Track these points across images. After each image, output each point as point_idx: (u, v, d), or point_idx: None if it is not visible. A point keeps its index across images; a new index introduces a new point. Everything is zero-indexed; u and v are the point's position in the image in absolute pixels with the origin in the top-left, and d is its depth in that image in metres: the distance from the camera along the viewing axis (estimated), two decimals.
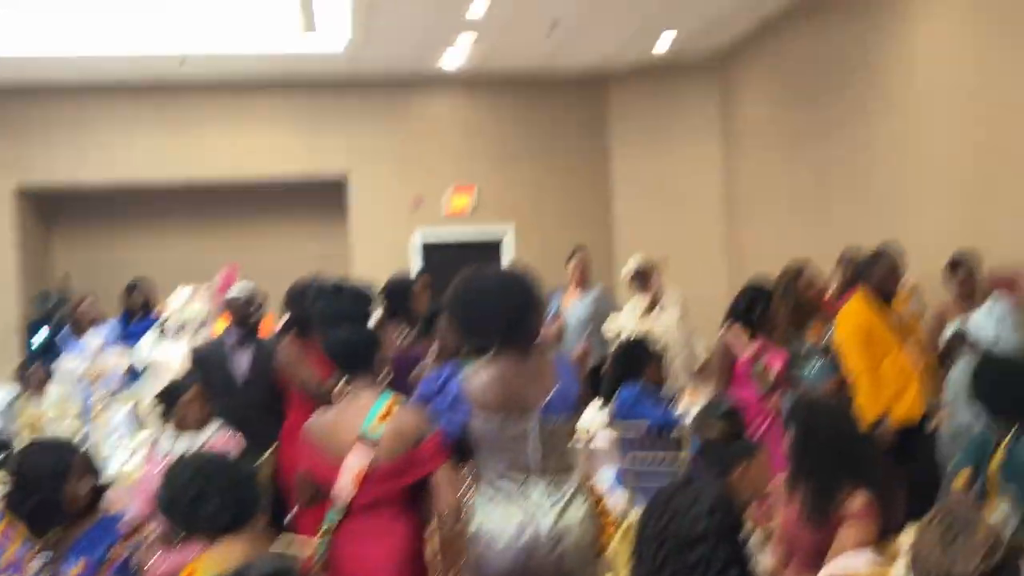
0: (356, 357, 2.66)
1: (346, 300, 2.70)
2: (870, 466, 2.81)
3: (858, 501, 2.72)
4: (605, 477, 4.54)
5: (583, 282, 7.02)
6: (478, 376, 2.74)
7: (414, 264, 9.57)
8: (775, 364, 4.65)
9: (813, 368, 5.03)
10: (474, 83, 9.72)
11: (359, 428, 2.56)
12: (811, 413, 2.86)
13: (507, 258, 9.77)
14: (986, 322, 5.01)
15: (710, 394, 4.77)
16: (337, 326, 2.67)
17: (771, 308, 4.70)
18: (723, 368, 4.69)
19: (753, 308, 4.67)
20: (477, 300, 2.69)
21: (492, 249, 9.79)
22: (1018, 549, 1.49)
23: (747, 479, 2.71)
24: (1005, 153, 5.26)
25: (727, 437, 2.76)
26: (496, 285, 2.69)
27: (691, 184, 9.70)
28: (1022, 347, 3.67)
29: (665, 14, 7.73)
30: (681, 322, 6.01)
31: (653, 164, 9.81)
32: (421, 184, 9.69)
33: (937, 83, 5.79)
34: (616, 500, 4.10)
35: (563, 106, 9.88)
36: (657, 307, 5.81)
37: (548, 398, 2.70)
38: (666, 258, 6.48)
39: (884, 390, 4.73)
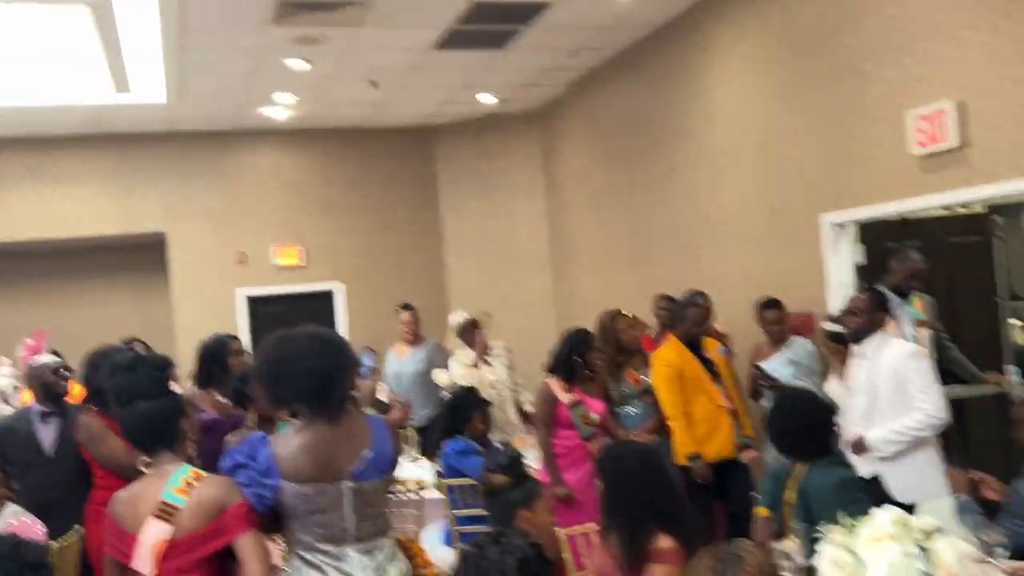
0: (154, 433, 2.54)
1: (141, 376, 2.56)
2: (676, 510, 2.97)
3: (664, 544, 2.86)
4: (432, 533, 4.53)
5: (414, 337, 7.03)
6: (287, 444, 2.67)
7: (240, 321, 9.29)
8: (595, 408, 4.82)
9: (632, 410, 5.28)
10: (298, 135, 9.63)
11: (158, 501, 2.45)
12: (619, 461, 2.99)
13: (339, 312, 9.66)
14: (781, 363, 5.41)
15: (537, 442, 4.89)
16: (132, 403, 2.54)
17: (590, 353, 4.89)
18: (546, 415, 4.81)
19: (572, 355, 4.84)
20: (284, 365, 2.61)
21: (323, 302, 9.65)
22: None
23: (531, 524, 2.78)
24: (790, 204, 5.76)
25: (509, 485, 2.83)
26: (303, 348, 2.62)
27: (519, 236, 9.98)
28: (811, 387, 3.99)
29: (482, 76, 7.98)
30: (508, 373, 6.14)
31: (482, 217, 10.02)
32: (245, 240, 9.45)
33: (733, 141, 6.27)
34: (443, 555, 4.10)
35: (391, 158, 9.95)
36: (482, 360, 5.91)
37: (362, 463, 2.65)
38: (489, 314, 6.60)
39: (696, 429, 5.03)
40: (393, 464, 2.73)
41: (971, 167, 4.44)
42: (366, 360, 3.17)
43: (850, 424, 4.17)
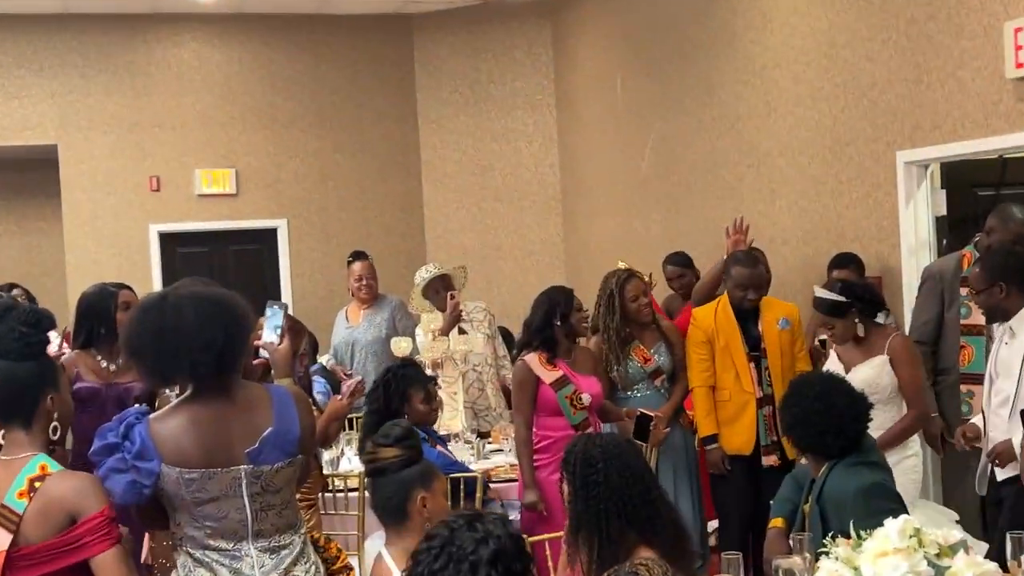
0: (9, 404, 2.75)
1: (2, 329, 2.80)
2: (657, 517, 3.24)
3: (643, 557, 3.14)
4: (378, 541, 4.83)
5: (370, 295, 7.24)
6: (169, 421, 2.86)
7: (152, 265, 9.59)
8: (586, 387, 5.10)
9: (638, 394, 5.57)
10: (231, 22, 9.84)
11: (2, 500, 2.67)
12: (589, 457, 3.24)
13: (281, 257, 9.95)
14: None
15: (517, 428, 5.19)
16: None
17: (574, 315, 5.16)
18: (523, 399, 5.10)
19: (551, 320, 5.11)
20: (166, 336, 2.80)
21: (259, 244, 9.93)
22: None
23: (428, 508, 3.06)
24: (859, 137, 5.97)
25: (402, 463, 3.10)
26: (188, 315, 2.82)
27: (520, 164, 10.23)
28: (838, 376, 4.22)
29: None
30: (489, 344, 6.36)
31: (472, 138, 10.26)
32: (159, 160, 9.72)
33: (790, 52, 6.45)
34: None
35: (353, 57, 10.16)
36: (453, 327, 6.13)
37: (260, 442, 2.87)
38: (464, 268, 6.82)
39: (720, 410, 5.44)
40: (302, 444, 2.99)
41: None
42: (273, 317, 3.31)
43: (990, 415, 4.46)
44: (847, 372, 4.83)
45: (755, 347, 5.50)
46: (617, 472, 3.19)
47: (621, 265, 5.85)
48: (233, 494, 2.91)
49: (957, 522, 4.60)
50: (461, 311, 6.28)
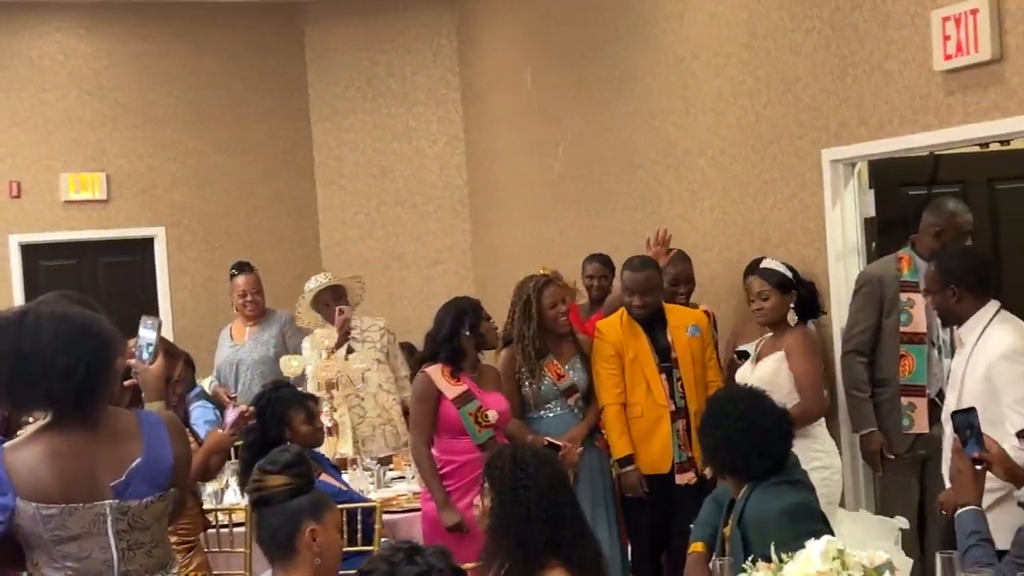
0: None
1: None
2: (577, 538, 3.30)
3: None
4: None
5: (256, 311, 7.21)
6: (24, 451, 2.86)
7: (13, 280, 9.42)
8: (492, 403, 5.15)
9: (550, 414, 5.63)
10: (100, 9, 9.71)
11: None
12: (522, 466, 3.31)
13: (158, 270, 9.83)
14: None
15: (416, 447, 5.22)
16: None
17: (482, 325, 5.21)
18: (423, 416, 5.14)
19: (457, 331, 5.16)
20: (25, 361, 2.80)
21: (134, 255, 9.80)
22: None
23: (318, 542, 3.08)
24: (783, 134, 6.11)
25: (291, 492, 3.12)
26: (49, 337, 2.81)
27: (423, 164, 10.25)
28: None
29: None
30: (388, 361, 6.34)
31: (371, 137, 10.27)
32: (19, 164, 9.54)
33: (711, 43, 6.57)
34: None
35: (238, 47, 10.09)
36: (343, 345, 6.13)
37: (128, 474, 2.88)
38: (360, 279, 6.83)
39: (632, 428, 5.57)
40: (175, 476, 2.98)
41: (1006, 89, 4.82)
42: (146, 334, 3.28)
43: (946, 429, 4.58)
44: (753, 370, 5.00)
45: (665, 357, 5.63)
46: (548, 478, 3.29)
47: (541, 271, 5.90)
48: (97, 532, 2.89)
49: (902, 530, 4.74)
50: (351, 328, 6.25)
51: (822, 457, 5.03)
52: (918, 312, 5.34)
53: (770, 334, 5.39)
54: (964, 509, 3.50)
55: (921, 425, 5.35)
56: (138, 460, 2.92)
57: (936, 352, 5.40)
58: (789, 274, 5.07)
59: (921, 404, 5.34)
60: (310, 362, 6.24)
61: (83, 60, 9.72)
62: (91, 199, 9.65)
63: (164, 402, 3.35)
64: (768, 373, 4.98)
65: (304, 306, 6.48)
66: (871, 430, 5.43)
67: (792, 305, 5.08)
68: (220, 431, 4.46)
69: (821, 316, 5.58)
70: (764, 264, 5.14)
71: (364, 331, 6.34)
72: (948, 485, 4.32)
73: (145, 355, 3.29)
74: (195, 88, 9.94)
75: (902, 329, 5.41)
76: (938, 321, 5.22)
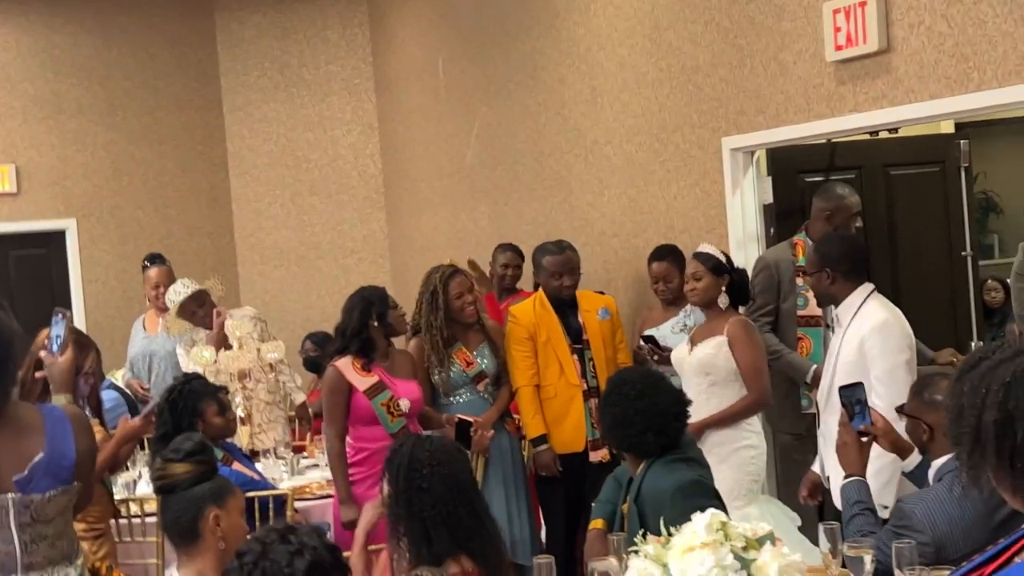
0: None
1: None
2: (483, 533, 3.39)
3: (460, 568, 3.30)
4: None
5: (166, 304, 7.20)
6: None
7: None
8: (404, 392, 5.25)
9: (460, 400, 5.73)
10: (8, 1, 9.58)
11: None
12: (417, 466, 3.38)
13: (70, 263, 9.76)
14: (673, 329, 5.96)
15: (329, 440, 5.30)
16: None
17: (390, 314, 5.31)
18: (334, 407, 5.22)
19: (366, 322, 5.24)
20: None
21: (45, 248, 9.73)
22: None
23: (222, 528, 3.16)
24: (685, 123, 6.28)
25: (193, 480, 3.20)
26: None
27: (338, 155, 10.29)
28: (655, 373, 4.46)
29: None
30: (266, 352, 6.34)
31: (285, 127, 10.29)
32: None
33: (615, 32, 6.72)
34: None
35: (149, 36, 10.04)
36: (222, 345, 6.17)
37: (30, 469, 2.93)
38: (221, 285, 6.83)
39: (545, 409, 5.74)
40: (79, 470, 3.04)
41: (893, 78, 5.01)
42: (55, 326, 3.36)
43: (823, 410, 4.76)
44: (690, 352, 5.15)
45: (577, 339, 5.79)
46: (442, 480, 3.37)
47: (447, 261, 6.02)
48: (0, 524, 2.95)
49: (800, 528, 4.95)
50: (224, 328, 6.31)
51: (751, 437, 5.17)
52: (814, 296, 5.53)
53: (681, 316, 5.53)
54: (848, 480, 3.67)
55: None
56: (40, 455, 2.97)
57: (832, 334, 5.60)
58: (723, 259, 5.23)
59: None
60: (204, 351, 6.25)
61: None
62: (0, 192, 9.55)
63: (71, 395, 3.40)
64: (708, 356, 5.11)
65: (171, 317, 6.52)
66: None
67: (724, 289, 5.22)
68: (131, 421, 4.50)
69: (750, 303, 5.74)
70: (700, 249, 5.28)
71: (235, 327, 6.30)
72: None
73: (54, 348, 3.36)
74: (106, 79, 9.88)
75: (799, 313, 5.60)
76: None
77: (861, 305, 4.57)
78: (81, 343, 4.50)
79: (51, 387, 3.39)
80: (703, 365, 5.04)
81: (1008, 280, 8.65)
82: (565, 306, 5.85)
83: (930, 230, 6.58)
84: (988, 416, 1.87)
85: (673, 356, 5.40)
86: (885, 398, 4.28)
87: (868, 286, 4.64)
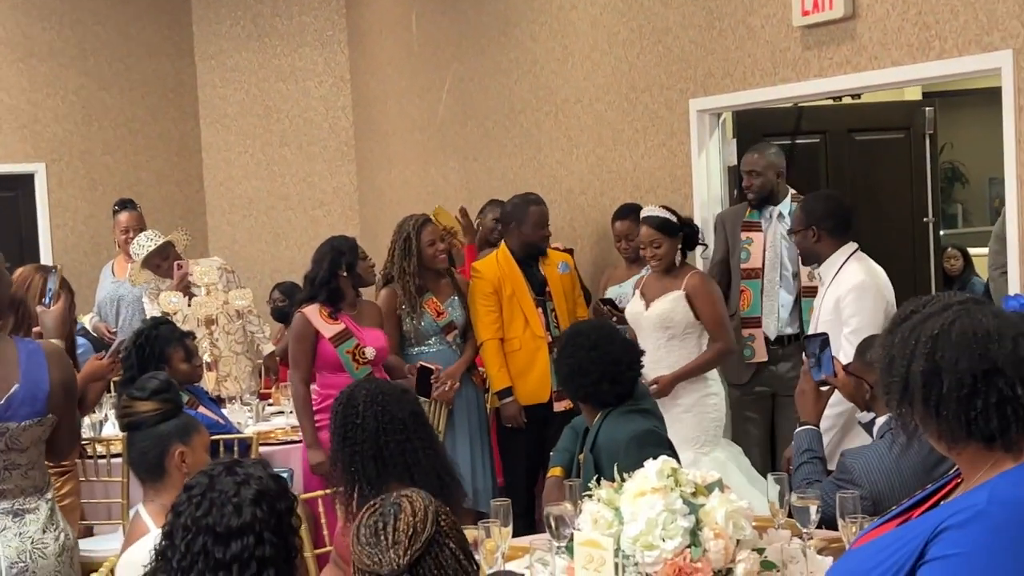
0: None
1: None
2: (416, 468, 3.47)
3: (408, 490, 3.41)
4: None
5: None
6: None
7: None
8: (369, 340, 5.34)
9: (429, 350, 5.83)
10: None
11: None
12: (353, 404, 3.49)
13: (39, 206, 9.76)
14: (634, 288, 6.08)
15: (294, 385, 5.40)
16: None
17: (360, 264, 5.40)
18: (300, 353, 5.31)
19: (334, 271, 5.32)
20: None
21: (15, 192, 9.72)
22: (445, 531, 2.17)
23: (187, 465, 3.26)
24: (654, 84, 6.36)
25: (159, 417, 3.29)
26: None
27: (309, 106, 10.30)
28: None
29: None
30: (233, 300, 6.39)
31: (256, 77, 10.27)
32: None
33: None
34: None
35: None
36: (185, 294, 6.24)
37: (7, 399, 3.05)
38: (187, 235, 6.89)
39: (510, 361, 5.85)
40: (52, 401, 3.13)
41: (857, 45, 5.12)
42: (49, 281, 3.57)
43: None
44: (647, 308, 5.26)
45: (540, 291, 5.91)
46: (374, 416, 3.48)
47: (430, 213, 6.13)
48: None
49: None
50: (188, 275, 6.37)
51: (712, 386, 5.32)
52: (756, 249, 5.66)
53: (643, 273, 5.64)
54: (802, 428, 3.80)
55: (761, 354, 5.69)
56: (16, 386, 3.06)
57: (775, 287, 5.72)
58: (673, 217, 5.30)
59: (759, 335, 5.68)
60: (172, 296, 6.31)
61: None
62: None
63: (64, 340, 3.52)
64: (666, 311, 5.21)
65: (136, 269, 6.58)
66: None
67: (679, 246, 5.33)
68: (98, 359, 4.57)
69: (705, 248, 5.84)
70: (646, 212, 5.33)
71: (201, 275, 6.35)
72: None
73: (47, 300, 3.52)
74: (77, 23, 9.83)
75: (741, 266, 5.74)
76: (785, 258, 5.57)
77: (844, 264, 4.69)
78: (69, 288, 4.59)
79: (44, 334, 3.49)
80: (662, 320, 5.15)
81: (968, 249, 8.84)
82: (529, 259, 5.96)
83: (893, 196, 6.70)
84: (916, 366, 1.98)
85: (628, 312, 5.50)
86: (851, 357, 4.41)
87: (852, 245, 4.77)
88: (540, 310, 5.91)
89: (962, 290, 8.33)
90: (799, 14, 5.35)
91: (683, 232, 5.32)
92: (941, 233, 7.37)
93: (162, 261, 6.53)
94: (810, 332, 4.93)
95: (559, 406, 5.79)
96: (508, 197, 7.58)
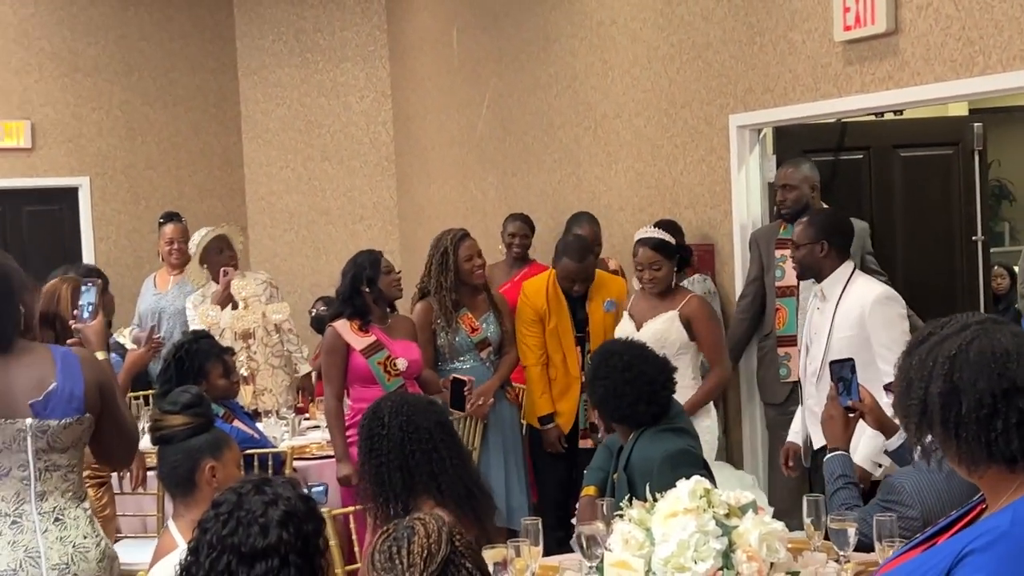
0: None
1: None
2: (443, 478, 3.43)
3: (426, 512, 3.39)
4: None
5: (181, 261, 7.28)
6: None
7: None
8: (402, 352, 5.31)
9: (463, 366, 5.80)
10: None
11: None
12: (378, 416, 3.47)
13: (83, 220, 9.85)
14: None
15: (326, 399, 5.39)
16: None
17: (384, 279, 5.38)
18: (332, 367, 5.30)
19: (357, 285, 5.31)
20: None
21: (58, 204, 9.80)
22: (461, 552, 2.14)
23: (217, 480, 3.24)
24: (694, 99, 6.31)
25: (190, 432, 3.28)
26: None
27: (350, 121, 10.34)
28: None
29: None
30: (271, 314, 6.39)
31: (298, 92, 10.33)
32: None
33: (627, 6, 6.76)
34: None
35: (165, 1, 10.08)
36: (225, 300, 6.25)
37: (46, 395, 3.09)
38: (242, 230, 6.93)
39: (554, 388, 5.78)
40: (90, 401, 3.17)
41: (900, 60, 5.05)
42: (86, 294, 3.62)
43: (806, 385, 4.83)
44: (638, 329, 5.18)
45: (581, 329, 5.82)
46: (399, 427, 3.45)
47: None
48: (17, 448, 3.11)
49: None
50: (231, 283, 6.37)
51: (708, 409, 5.27)
52: (791, 267, 5.58)
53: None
54: (832, 454, 3.73)
55: (796, 373, 5.61)
56: (54, 384, 3.12)
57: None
58: (669, 238, 5.25)
59: (795, 353, 5.61)
60: (191, 316, 6.32)
61: (9, 7, 9.65)
62: (15, 147, 9.62)
63: (106, 353, 3.56)
64: (660, 331, 5.13)
65: (193, 266, 6.60)
66: None
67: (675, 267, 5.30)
68: (137, 351, 4.62)
69: (693, 259, 5.77)
70: (643, 234, 5.26)
71: (240, 287, 6.35)
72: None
73: (85, 315, 3.57)
74: (122, 38, 9.93)
75: (776, 284, 5.68)
76: None
77: (849, 280, 4.63)
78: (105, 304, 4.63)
79: (87, 348, 3.54)
80: (656, 340, 4.93)
81: (1015, 267, 8.70)
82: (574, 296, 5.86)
83: (940, 213, 6.59)
84: (934, 388, 1.93)
85: (618, 332, 5.34)
86: (890, 363, 4.33)
87: (851, 263, 4.72)
88: (579, 349, 5.80)
89: (1007, 309, 8.21)
90: (841, 29, 5.29)
91: (678, 254, 5.28)
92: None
93: (223, 250, 6.56)
94: (806, 345, 4.87)
95: (584, 443, 5.73)
96: (547, 212, 7.62)
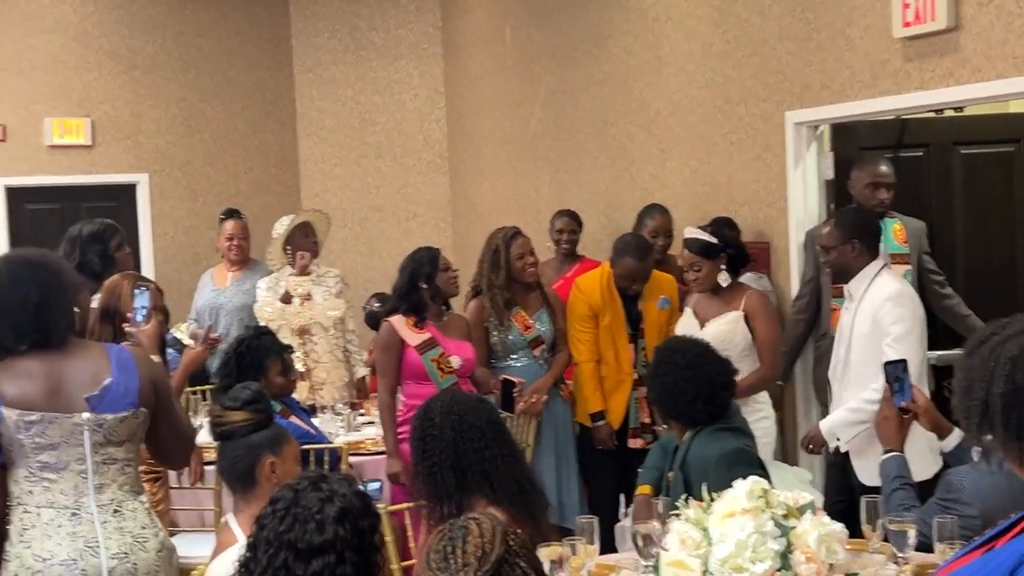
0: None
1: None
2: (495, 475, 3.43)
3: (479, 512, 3.38)
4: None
5: (242, 257, 7.34)
6: (8, 368, 3.16)
7: None
8: (455, 350, 5.32)
9: (516, 363, 5.80)
10: None
11: None
12: (430, 415, 3.48)
13: (141, 215, 9.94)
14: None
15: (380, 394, 5.42)
16: None
17: (441, 276, 5.38)
18: (387, 363, 5.31)
19: (415, 282, 5.32)
20: None
21: (117, 200, 9.91)
22: (515, 551, 2.13)
23: (277, 476, 3.26)
24: (749, 96, 6.25)
25: (251, 428, 3.31)
26: (6, 279, 3.17)
27: (404, 117, 10.36)
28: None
29: None
30: (336, 315, 6.44)
31: (353, 89, 10.37)
32: (4, 108, 9.61)
33: (683, 3, 6.72)
34: None
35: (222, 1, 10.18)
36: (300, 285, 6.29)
37: (102, 390, 3.16)
38: (327, 216, 6.99)
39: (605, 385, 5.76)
40: (143, 396, 3.23)
41: (961, 57, 4.97)
42: (140, 297, 3.74)
43: (833, 383, 4.81)
44: (701, 327, 5.15)
45: (635, 326, 5.80)
46: (451, 426, 3.45)
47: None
48: (74, 442, 3.17)
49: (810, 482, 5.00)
50: (310, 272, 6.42)
51: (764, 408, 5.22)
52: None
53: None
54: (888, 455, 3.69)
55: None
56: (109, 379, 3.19)
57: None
58: (713, 239, 5.22)
59: None
60: (267, 306, 6.36)
61: (69, 6, 9.77)
62: (75, 144, 9.75)
63: (160, 357, 3.64)
64: (724, 332, 5.10)
65: (276, 249, 6.64)
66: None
67: (723, 267, 5.26)
68: (194, 349, 4.67)
69: (750, 263, 5.72)
70: (687, 234, 5.27)
71: (320, 276, 6.45)
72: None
73: (139, 318, 3.65)
74: (180, 36, 10.02)
75: (832, 284, 5.61)
76: None
77: (874, 278, 4.61)
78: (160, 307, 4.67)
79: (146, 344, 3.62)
80: (720, 341, 4.87)
81: None
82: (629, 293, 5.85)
83: (1001, 211, 6.49)
84: (996, 388, 1.90)
85: (679, 331, 5.31)
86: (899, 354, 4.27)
87: (880, 260, 4.69)
88: (632, 346, 5.80)
89: None
90: (900, 25, 5.22)
91: (727, 252, 5.23)
92: None
93: (303, 238, 6.65)
94: (836, 344, 4.84)
95: (634, 444, 5.73)
96: (600, 210, 7.59)
